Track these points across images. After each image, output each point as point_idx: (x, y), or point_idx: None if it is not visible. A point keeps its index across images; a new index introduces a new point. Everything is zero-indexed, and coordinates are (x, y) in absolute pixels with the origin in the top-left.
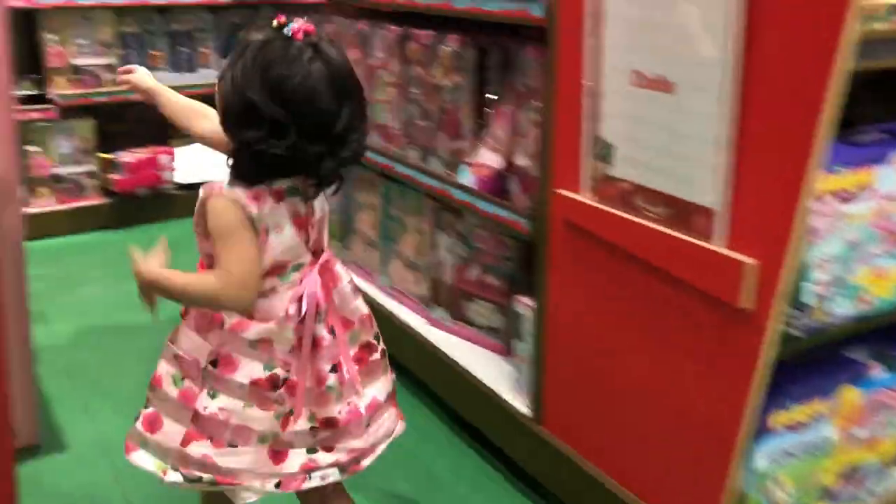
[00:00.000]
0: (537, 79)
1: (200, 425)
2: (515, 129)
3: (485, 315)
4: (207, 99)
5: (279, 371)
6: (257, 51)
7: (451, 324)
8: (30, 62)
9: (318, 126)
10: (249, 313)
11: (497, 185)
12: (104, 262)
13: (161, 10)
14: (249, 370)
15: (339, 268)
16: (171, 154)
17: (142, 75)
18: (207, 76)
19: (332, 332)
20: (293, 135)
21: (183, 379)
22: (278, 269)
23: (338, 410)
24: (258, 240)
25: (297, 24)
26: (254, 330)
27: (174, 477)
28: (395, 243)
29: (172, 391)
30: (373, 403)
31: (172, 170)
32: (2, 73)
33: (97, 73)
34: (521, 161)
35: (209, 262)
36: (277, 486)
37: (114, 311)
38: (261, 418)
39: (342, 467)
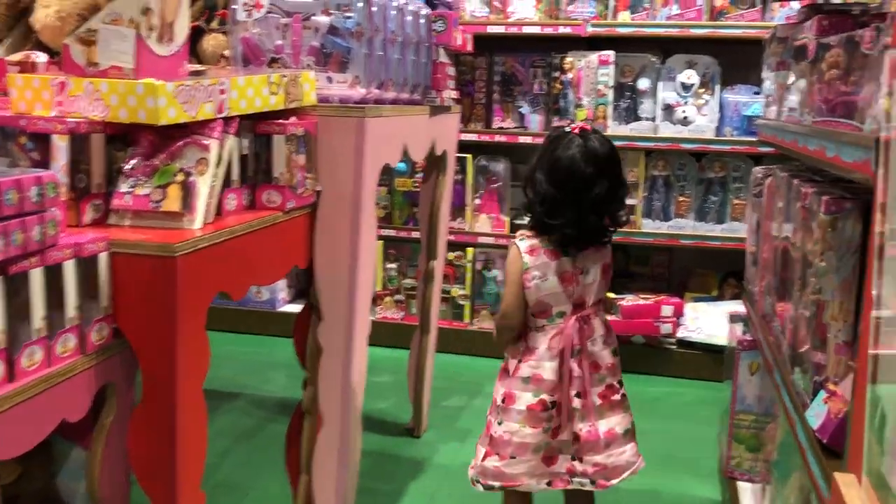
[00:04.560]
0: None
1: (493, 444)
2: None
3: None
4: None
5: (545, 396)
6: (548, 141)
7: None
8: None
9: (577, 191)
10: (519, 355)
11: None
12: None
13: (697, 155)
14: (525, 400)
15: (596, 322)
16: (678, 307)
17: None
18: (736, 230)
19: (581, 367)
20: (557, 200)
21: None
22: (544, 312)
23: (580, 427)
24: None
25: (577, 124)
26: (526, 370)
27: (479, 488)
28: None
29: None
30: (610, 431)
31: (675, 324)
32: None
33: None
34: None
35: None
36: (549, 484)
37: None
38: (534, 434)
39: (591, 479)
